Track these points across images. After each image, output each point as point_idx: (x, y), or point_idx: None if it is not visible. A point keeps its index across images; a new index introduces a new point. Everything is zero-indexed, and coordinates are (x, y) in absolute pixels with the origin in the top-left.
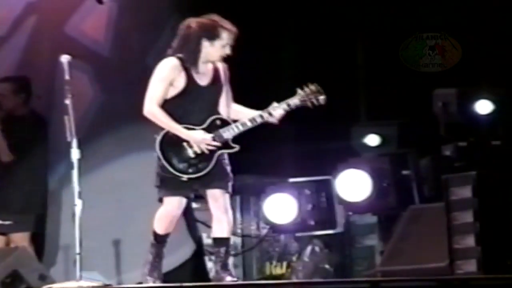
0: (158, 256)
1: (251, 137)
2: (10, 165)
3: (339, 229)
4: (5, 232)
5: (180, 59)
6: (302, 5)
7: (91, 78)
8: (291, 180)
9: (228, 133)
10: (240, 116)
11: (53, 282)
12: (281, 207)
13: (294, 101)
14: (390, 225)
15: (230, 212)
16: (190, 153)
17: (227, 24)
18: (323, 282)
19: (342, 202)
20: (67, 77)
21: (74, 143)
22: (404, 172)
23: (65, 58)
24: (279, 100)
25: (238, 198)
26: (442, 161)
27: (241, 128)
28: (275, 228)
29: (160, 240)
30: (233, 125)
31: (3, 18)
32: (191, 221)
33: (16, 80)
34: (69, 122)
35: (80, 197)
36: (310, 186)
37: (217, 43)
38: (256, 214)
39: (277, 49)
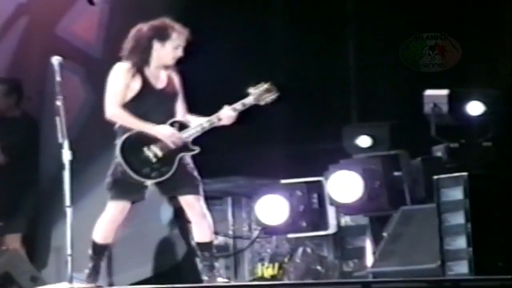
0: (95, 271)
1: (242, 139)
2: (1, 166)
3: (331, 230)
4: None
5: (133, 62)
6: (293, 3)
7: (82, 80)
8: (283, 181)
9: (188, 136)
10: (195, 123)
11: (44, 283)
12: (273, 208)
13: (249, 100)
14: (382, 226)
15: (208, 215)
16: (151, 157)
17: (177, 26)
18: (314, 284)
19: (334, 203)
20: (58, 78)
21: (66, 145)
22: (396, 173)
23: (56, 60)
24: None
25: (229, 200)
26: (434, 162)
27: (200, 130)
28: (266, 230)
29: (99, 252)
30: (191, 128)
31: None
32: (182, 222)
33: (7, 82)
34: (61, 124)
35: (71, 198)
36: (301, 187)
37: (168, 45)
38: (247, 215)
39: (267, 48)
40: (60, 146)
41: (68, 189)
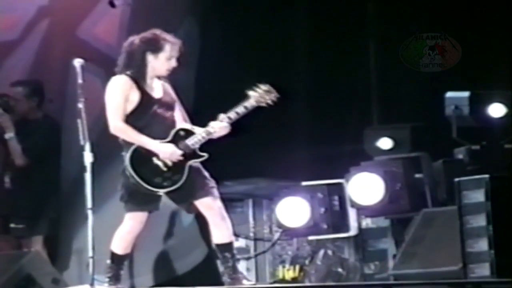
0: (115, 280)
1: (264, 141)
2: (23, 168)
3: (352, 232)
4: (19, 235)
5: (128, 76)
6: (314, 7)
7: (103, 82)
8: (304, 183)
9: (194, 143)
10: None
11: (66, 285)
12: (294, 210)
13: (251, 102)
14: (403, 229)
15: (226, 216)
16: (162, 166)
17: (169, 36)
18: (336, 286)
19: (355, 205)
20: (80, 80)
21: (87, 147)
22: (417, 175)
23: (78, 62)
24: None
25: (250, 202)
26: (455, 164)
27: (206, 136)
28: (287, 232)
29: (118, 262)
30: (197, 135)
31: (15, 22)
32: (203, 224)
33: (29, 84)
34: (82, 126)
35: (93, 201)
36: (322, 189)
37: (161, 56)
38: (268, 217)
39: (288, 51)
40: (82, 148)
41: (89, 191)
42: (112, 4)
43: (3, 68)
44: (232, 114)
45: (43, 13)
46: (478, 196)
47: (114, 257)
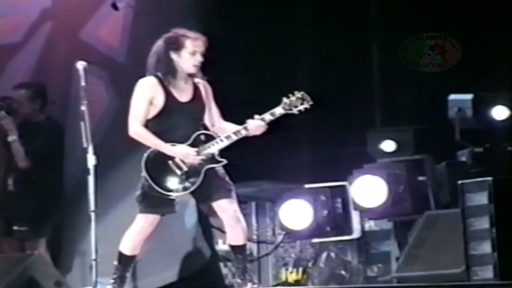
0: (121, 281)
1: (267, 144)
2: (26, 171)
3: (355, 235)
4: (22, 238)
5: (157, 77)
6: (317, 9)
7: (106, 84)
8: (307, 186)
9: (213, 148)
10: (227, 132)
11: None
12: (297, 213)
13: (279, 110)
14: (406, 231)
15: (242, 219)
16: (177, 171)
17: (190, 33)
18: None
19: (358, 208)
20: (82, 83)
21: (90, 149)
22: (420, 178)
23: (80, 64)
24: None
25: (253, 204)
26: (458, 167)
27: (226, 141)
28: (290, 234)
29: (126, 263)
30: (217, 139)
31: (18, 24)
32: (206, 227)
33: (32, 87)
34: (85, 128)
35: (96, 202)
36: (325, 192)
37: (184, 53)
38: (271, 220)
39: (291, 55)
40: (85, 151)
41: (92, 193)
42: (115, 7)
43: (6, 70)
44: (266, 116)
45: (46, 15)
46: (481, 198)
47: (122, 257)
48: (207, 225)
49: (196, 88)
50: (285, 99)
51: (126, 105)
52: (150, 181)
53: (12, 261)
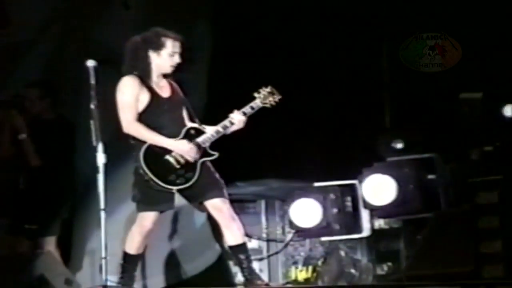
0: (129, 281)
1: (276, 142)
2: (37, 169)
3: (365, 233)
4: (32, 236)
5: (136, 75)
6: (325, 11)
7: (116, 83)
8: (317, 184)
9: (205, 142)
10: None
11: (79, 286)
12: (307, 211)
13: (257, 103)
14: (416, 230)
15: (236, 217)
16: (175, 163)
17: (170, 33)
18: (348, 287)
19: (368, 206)
20: (93, 81)
21: (100, 148)
22: (430, 176)
23: (91, 63)
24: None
25: (263, 203)
26: (468, 165)
27: (215, 135)
28: (300, 233)
29: (131, 262)
30: (208, 134)
31: (30, 23)
32: (215, 225)
33: (42, 85)
34: (95, 127)
35: (105, 201)
36: (335, 190)
37: (164, 53)
38: (281, 218)
39: (301, 53)
40: (95, 149)
41: (102, 192)
42: (125, 6)
43: (18, 69)
44: (246, 110)
45: (57, 14)
46: (491, 197)
47: (127, 257)
48: (216, 223)
49: (171, 85)
50: (256, 94)
51: None
52: (151, 176)
53: (22, 260)
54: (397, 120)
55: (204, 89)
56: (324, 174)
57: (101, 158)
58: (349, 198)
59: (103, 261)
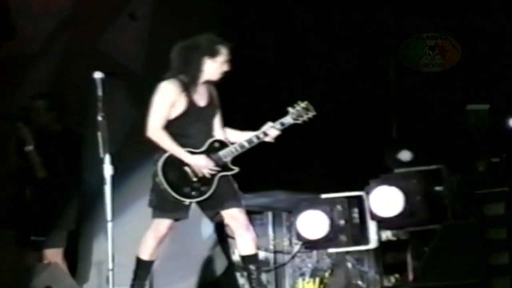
0: (140, 287)
1: (284, 154)
2: (43, 181)
3: (372, 245)
4: (39, 248)
5: (180, 80)
6: (332, 20)
7: (123, 95)
8: (324, 196)
9: (227, 156)
10: (236, 138)
11: None
12: (314, 223)
13: (288, 119)
14: (423, 242)
15: (251, 227)
16: (192, 176)
17: (223, 43)
18: None
19: (375, 218)
20: (99, 93)
21: (107, 159)
22: (437, 188)
23: (98, 75)
24: None
25: (270, 214)
26: (475, 177)
27: (239, 150)
28: (307, 244)
29: (144, 268)
30: (231, 148)
31: (36, 35)
32: (222, 237)
33: (49, 97)
34: (102, 139)
35: (112, 213)
36: (342, 202)
37: (219, 59)
38: (288, 230)
39: (307, 64)
40: (102, 161)
41: (109, 203)
42: (132, 17)
43: (24, 81)
44: (277, 125)
45: (63, 26)
46: (498, 209)
47: (140, 263)
48: (224, 235)
49: (210, 93)
50: (291, 109)
51: (143, 116)
52: (166, 186)
53: (29, 271)
54: (405, 132)
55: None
56: (331, 186)
57: (108, 170)
58: (356, 210)
59: (110, 273)
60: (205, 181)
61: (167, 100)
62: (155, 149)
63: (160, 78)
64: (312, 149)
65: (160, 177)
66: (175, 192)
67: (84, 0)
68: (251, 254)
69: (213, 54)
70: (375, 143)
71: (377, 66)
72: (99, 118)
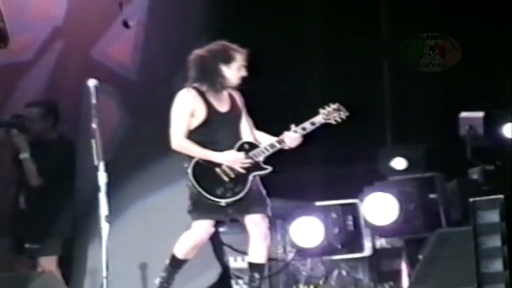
0: (167, 282)
1: (278, 160)
2: (38, 189)
3: (366, 252)
4: (33, 256)
5: (197, 89)
6: (327, 25)
7: (117, 102)
8: (318, 203)
9: (257, 156)
10: (263, 141)
11: None
12: (308, 230)
13: (318, 119)
14: (417, 249)
15: (269, 237)
16: (225, 177)
17: (237, 46)
18: None
19: (369, 225)
20: (94, 101)
21: (101, 167)
22: (431, 195)
23: (92, 82)
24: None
25: None
26: (469, 184)
27: (270, 150)
28: (301, 252)
29: (176, 265)
30: (262, 147)
31: (30, 42)
32: (217, 244)
33: (43, 104)
34: (96, 146)
35: (107, 220)
36: (336, 209)
37: (233, 66)
38: (282, 237)
39: (302, 71)
40: (96, 169)
41: (103, 211)
42: (126, 25)
43: (18, 89)
44: (307, 125)
45: (57, 33)
46: (492, 216)
47: (174, 260)
48: (218, 242)
49: (231, 98)
50: (322, 110)
51: (138, 123)
52: (200, 189)
53: (24, 279)
54: (399, 139)
55: None
56: (325, 193)
57: (102, 177)
58: (350, 217)
59: (104, 281)
60: (238, 181)
61: (186, 110)
62: (150, 156)
63: (153, 85)
64: (307, 156)
65: (192, 181)
66: (210, 194)
67: (77, 8)
68: (261, 263)
69: (227, 60)
70: (370, 151)
71: (371, 73)
72: (93, 125)
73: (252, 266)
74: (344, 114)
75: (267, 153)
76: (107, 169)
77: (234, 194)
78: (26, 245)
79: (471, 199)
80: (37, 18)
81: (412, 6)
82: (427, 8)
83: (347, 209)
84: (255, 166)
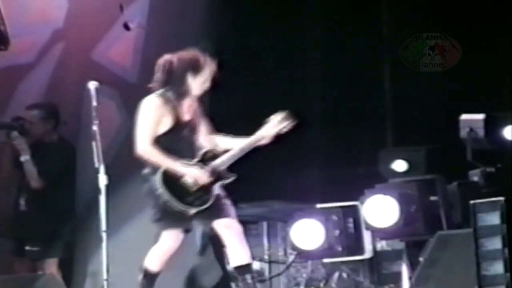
0: None
1: (278, 163)
2: (39, 191)
3: (367, 255)
4: (33, 258)
5: (164, 96)
6: (328, 28)
7: (118, 104)
8: (318, 206)
9: (221, 165)
10: (228, 144)
11: None
12: (308, 233)
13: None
14: (418, 251)
15: (244, 238)
16: (192, 185)
17: (207, 58)
18: None
19: (370, 228)
20: (94, 103)
21: (102, 169)
22: (432, 198)
23: (92, 85)
24: None
25: (265, 224)
26: (470, 187)
27: (232, 159)
28: (302, 254)
29: (150, 279)
30: (224, 157)
31: (30, 45)
32: (217, 247)
33: (44, 107)
34: (97, 148)
35: (107, 222)
36: (337, 212)
37: (200, 77)
38: (283, 240)
39: (303, 75)
40: (96, 171)
41: (104, 213)
42: (126, 27)
43: (18, 91)
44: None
45: (58, 36)
46: (493, 218)
47: (147, 273)
48: (218, 245)
49: (192, 106)
50: (269, 119)
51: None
52: (169, 196)
53: (24, 282)
54: (400, 141)
55: (206, 112)
56: (326, 196)
57: (102, 180)
58: (351, 220)
59: (105, 283)
60: (204, 190)
61: (153, 117)
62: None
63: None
64: (307, 159)
65: (162, 189)
66: (179, 202)
67: (78, 11)
68: (246, 264)
69: (196, 70)
70: (370, 153)
71: (372, 75)
72: (94, 128)
73: (239, 270)
74: (292, 122)
75: (229, 162)
76: (107, 171)
77: (203, 202)
78: (27, 248)
79: (471, 201)
80: (37, 20)
81: (412, 7)
82: (427, 8)
83: (348, 211)
84: (220, 175)
